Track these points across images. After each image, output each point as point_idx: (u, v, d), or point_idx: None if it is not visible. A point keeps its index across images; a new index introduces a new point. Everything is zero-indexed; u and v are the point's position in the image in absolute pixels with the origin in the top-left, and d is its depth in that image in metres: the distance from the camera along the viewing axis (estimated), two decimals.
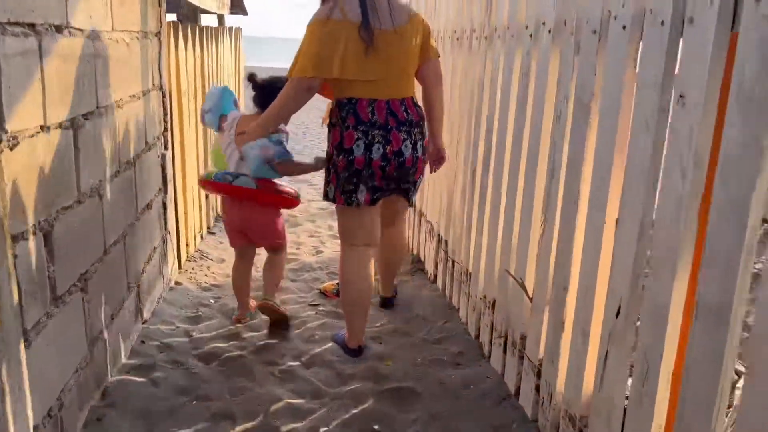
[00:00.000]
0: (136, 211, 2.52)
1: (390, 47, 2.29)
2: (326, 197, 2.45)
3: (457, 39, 2.99)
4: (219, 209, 4.65)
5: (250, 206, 2.61)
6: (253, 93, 2.71)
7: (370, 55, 2.25)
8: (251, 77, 2.73)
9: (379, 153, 2.29)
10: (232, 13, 5.32)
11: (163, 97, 3.02)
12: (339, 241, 2.63)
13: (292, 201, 2.68)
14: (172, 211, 3.24)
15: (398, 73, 2.35)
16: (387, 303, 3.07)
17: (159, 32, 2.91)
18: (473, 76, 2.76)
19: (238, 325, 2.80)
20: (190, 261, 3.63)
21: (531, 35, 2.07)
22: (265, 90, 2.62)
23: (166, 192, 3.06)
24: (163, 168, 3.03)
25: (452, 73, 3.10)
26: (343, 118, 2.31)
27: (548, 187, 1.93)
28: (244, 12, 5.45)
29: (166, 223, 3.08)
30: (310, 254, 4.03)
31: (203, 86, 4.07)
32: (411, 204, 2.63)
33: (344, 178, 2.34)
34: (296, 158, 2.64)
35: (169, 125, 3.14)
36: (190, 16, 4.17)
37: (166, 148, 3.08)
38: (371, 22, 2.24)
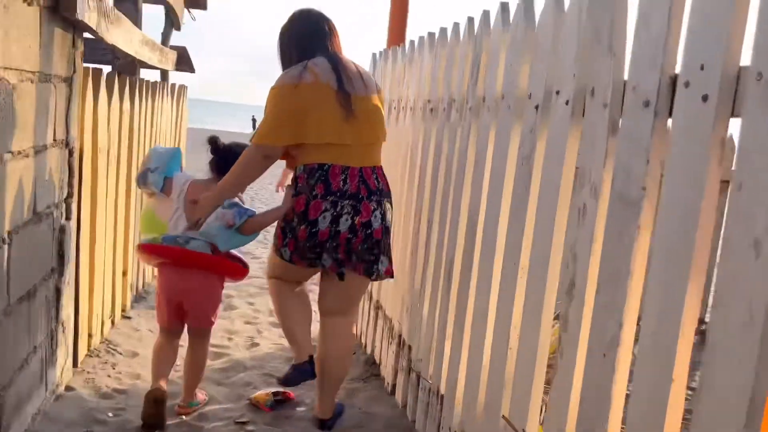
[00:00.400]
0: (6, 304, 1.89)
1: (364, 113, 2.26)
2: (280, 256, 2.33)
3: (431, 110, 2.56)
4: (140, 287, 3.99)
5: (195, 275, 2.39)
6: (210, 156, 2.54)
7: (349, 118, 2.20)
8: (213, 140, 2.55)
9: (347, 224, 2.20)
10: (177, 69, 4.86)
11: (70, 155, 2.43)
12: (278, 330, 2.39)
13: (243, 270, 2.52)
14: (71, 296, 2.59)
15: (372, 140, 2.31)
16: (326, 426, 2.45)
17: (71, 78, 2.37)
18: (449, 154, 2.31)
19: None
20: (92, 356, 2.92)
21: (537, 107, 1.64)
22: (226, 155, 2.46)
23: (62, 273, 2.43)
24: (61, 243, 2.41)
25: (423, 149, 2.65)
26: (312, 185, 2.20)
27: (565, 312, 1.44)
28: (190, 69, 4.96)
29: (58, 312, 2.43)
30: (244, 347, 3.38)
31: (131, 146, 3.50)
32: (373, 277, 2.35)
33: (305, 247, 2.24)
34: (257, 212, 2.43)
35: (75, 190, 2.55)
36: (128, 69, 3.67)
37: (68, 217, 2.47)
38: (346, 87, 2.22)
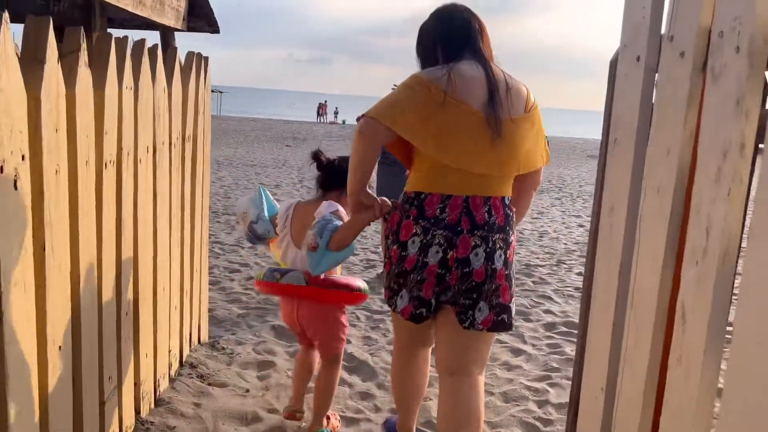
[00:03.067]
0: None
1: (513, 138, 1.91)
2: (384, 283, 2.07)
3: None
4: None
5: (305, 305, 2.34)
6: (317, 173, 2.46)
7: (493, 145, 1.88)
8: (316, 155, 2.45)
9: (437, 257, 1.89)
10: (190, 27, 3.24)
11: None
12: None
13: (354, 295, 2.34)
14: None
15: (512, 172, 1.96)
16: None
17: None
18: None
19: (287, 419, 2.51)
20: None
21: None
22: (333, 170, 2.40)
23: None
24: None
25: None
26: (406, 209, 1.95)
27: None
28: (212, 27, 3.33)
29: None
30: None
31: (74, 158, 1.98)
32: (465, 325, 1.92)
33: (393, 273, 1.97)
34: (339, 223, 2.16)
35: None
36: (77, 18, 2.11)
37: None
38: (497, 108, 1.88)
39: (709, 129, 1.15)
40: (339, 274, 2.47)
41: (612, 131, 1.49)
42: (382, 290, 2.47)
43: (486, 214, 1.91)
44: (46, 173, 1.47)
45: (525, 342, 3.73)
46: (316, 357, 2.57)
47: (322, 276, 2.26)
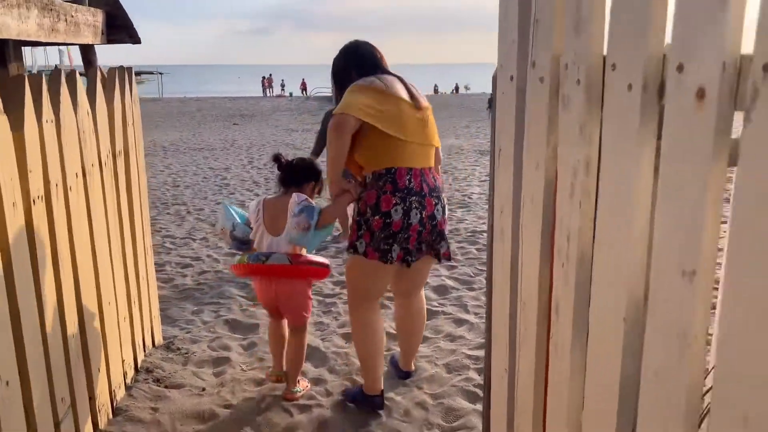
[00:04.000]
0: None
1: (428, 119, 2.62)
2: (354, 251, 2.56)
3: None
4: None
5: (282, 283, 2.73)
6: (277, 173, 2.86)
7: (420, 121, 2.56)
8: (277, 158, 2.84)
9: (417, 218, 2.51)
10: (110, 41, 3.25)
11: None
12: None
13: (323, 270, 2.79)
14: None
15: (435, 143, 2.65)
16: (408, 376, 3.06)
17: None
18: None
19: (275, 383, 2.97)
20: None
21: None
22: (293, 169, 2.82)
23: None
24: None
25: None
26: (380, 186, 2.49)
27: None
28: (132, 38, 3.34)
29: None
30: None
31: None
32: (448, 256, 2.74)
33: (380, 238, 2.51)
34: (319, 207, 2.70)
35: None
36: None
37: None
38: (416, 96, 2.60)
39: (563, 150, 1.31)
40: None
41: (497, 141, 1.65)
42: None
43: (432, 179, 2.59)
44: None
45: (468, 311, 3.96)
46: (285, 327, 2.97)
47: (301, 255, 2.73)
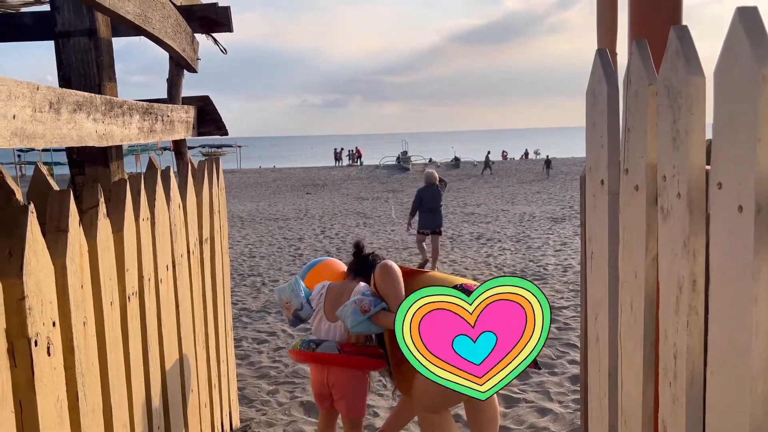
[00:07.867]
0: None
1: None
2: None
3: None
4: None
5: (335, 370, 2.70)
6: (351, 258, 2.97)
7: None
8: (358, 245, 2.99)
9: None
10: (200, 133, 3.45)
11: None
12: None
13: (377, 361, 2.73)
14: None
15: None
16: None
17: None
18: None
19: None
20: None
21: None
22: (366, 262, 2.88)
23: None
24: None
25: None
26: None
27: None
28: (220, 130, 3.51)
29: None
30: None
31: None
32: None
33: None
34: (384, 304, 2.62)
35: None
36: (96, 160, 2.29)
37: None
38: None
39: (664, 263, 1.25)
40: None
41: (588, 244, 1.60)
42: None
43: None
44: (75, 328, 1.62)
45: (551, 399, 3.76)
46: (336, 427, 2.89)
47: (352, 345, 2.71)
